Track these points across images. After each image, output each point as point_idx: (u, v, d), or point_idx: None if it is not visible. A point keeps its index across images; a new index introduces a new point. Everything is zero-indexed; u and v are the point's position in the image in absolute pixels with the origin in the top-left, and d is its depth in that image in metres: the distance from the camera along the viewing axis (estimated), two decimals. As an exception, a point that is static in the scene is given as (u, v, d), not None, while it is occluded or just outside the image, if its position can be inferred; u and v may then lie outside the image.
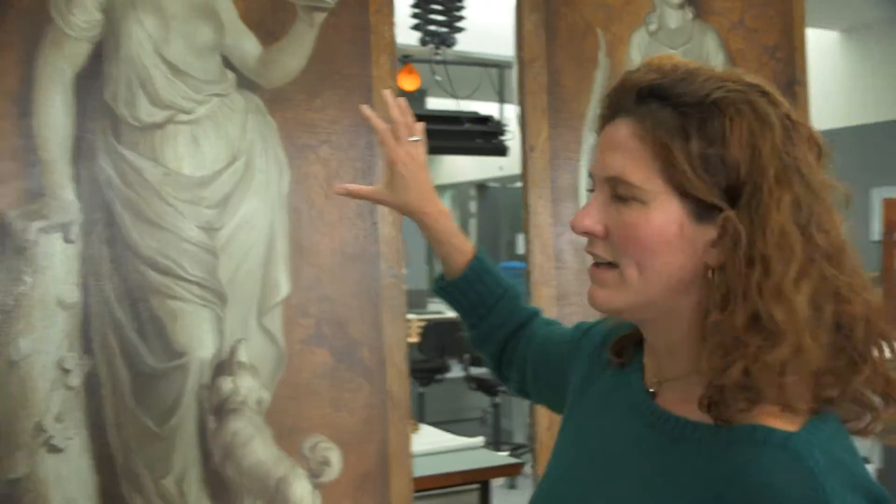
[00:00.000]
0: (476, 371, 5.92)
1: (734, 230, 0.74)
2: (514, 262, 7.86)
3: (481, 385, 5.84)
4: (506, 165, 8.77)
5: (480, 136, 4.57)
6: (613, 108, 0.82)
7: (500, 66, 5.07)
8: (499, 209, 9.74)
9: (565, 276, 2.13)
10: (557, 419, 2.08)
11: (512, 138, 4.80)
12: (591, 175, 0.86)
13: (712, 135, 0.74)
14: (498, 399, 5.77)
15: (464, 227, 10.32)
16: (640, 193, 0.77)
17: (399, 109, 1.19)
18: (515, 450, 5.66)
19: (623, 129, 0.79)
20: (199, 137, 1.80)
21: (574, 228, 0.82)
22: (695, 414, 0.77)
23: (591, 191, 0.84)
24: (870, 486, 0.70)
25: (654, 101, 0.78)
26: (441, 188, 9.46)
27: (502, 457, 2.91)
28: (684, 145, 0.75)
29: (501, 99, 5.04)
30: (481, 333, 1.20)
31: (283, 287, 1.85)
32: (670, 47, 2.32)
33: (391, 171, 1.17)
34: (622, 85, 0.82)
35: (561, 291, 2.12)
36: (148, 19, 1.76)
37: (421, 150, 1.18)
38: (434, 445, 2.69)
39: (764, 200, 0.73)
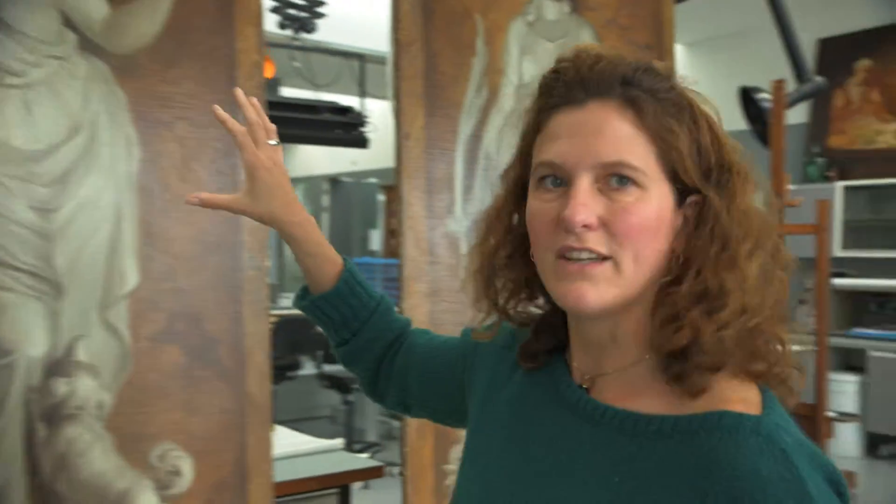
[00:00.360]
0: (330, 368, 5.77)
1: (712, 212, 0.75)
2: (367, 257, 7.74)
3: (335, 383, 5.69)
4: (359, 160, 8.63)
5: (340, 127, 4.42)
6: (582, 92, 0.77)
7: (362, 57, 4.94)
8: (351, 204, 9.61)
9: (438, 272, 2.03)
10: (428, 422, 1.97)
11: (373, 130, 4.68)
12: (548, 164, 0.77)
13: (690, 122, 0.76)
14: (351, 397, 5.64)
15: (316, 221, 10.10)
16: (641, 177, 0.74)
17: (255, 110, 1.05)
18: (368, 448, 5.55)
19: (609, 113, 0.76)
20: (32, 105, 1.58)
21: (572, 224, 0.74)
22: (646, 406, 0.75)
23: (558, 183, 0.77)
24: (824, 462, 0.70)
25: (635, 87, 0.76)
26: (293, 181, 9.18)
27: (362, 459, 2.79)
28: (678, 129, 0.75)
29: (363, 92, 4.90)
30: (355, 349, 1.10)
31: (131, 277, 1.65)
32: (547, 39, 2.27)
33: (252, 178, 1.04)
34: (595, 69, 0.77)
35: (434, 288, 2.02)
36: (-27, -35, 1.52)
37: (281, 155, 1.06)
38: (291, 448, 2.54)
39: (734, 184, 0.76)
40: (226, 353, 1.75)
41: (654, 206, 0.74)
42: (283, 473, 2.17)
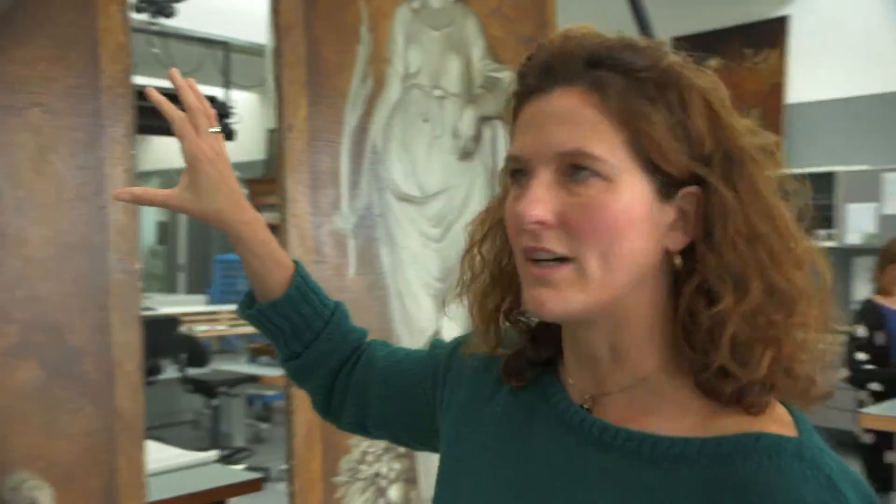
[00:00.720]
0: (194, 372, 5.49)
1: (724, 206, 0.66)
2: (229, 254, 7.44)
3: (199, 386, 5.42)
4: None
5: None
6: (549, 79, 0.69)
7: (226, 46, 4.70)
8: (213, 198, 9.23)
9: (325, 272, 1.91)
10: (316, 431, 1.85)
11: (238, 122, 4.48)
12: (513, 158, 0.70)
13: (673, 102, 0.67)
14: (216, 401, 5.40)
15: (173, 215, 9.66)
16: (604, 168, 0.66)
17: (195, 94, 0.91)
18: (237, 454, 5.33)
19: (572, 99, 0.67)
20: None
21: (525, 221, 0.66)
22: (662, 427, 0.68)
23: (520, 175, 0.69)
24: (867, 491, 0.64)
25: (604, 69, 0.68)
26: (147, 175, 8.74)
27: (240, 472, 2.63)
28: (652, 112, 0.66)
29: (227, 83, 4.66)
30: (307, 363, 0.98)
31: (-22, 285, 1.45)
32: (433, 28, 2.19)
33: (194, 171, 0.90)
34: (561, 52, 0.69)
35: (320, 288, 1.90)
36: None
37: (223, 144, 0.93)
38: (162, 463, 2.35)
39: (747, 173, 0.67)
40: (91, 367, 1.57)
41: (623, 200, 0.66)
42: (154, 492, 1.99)
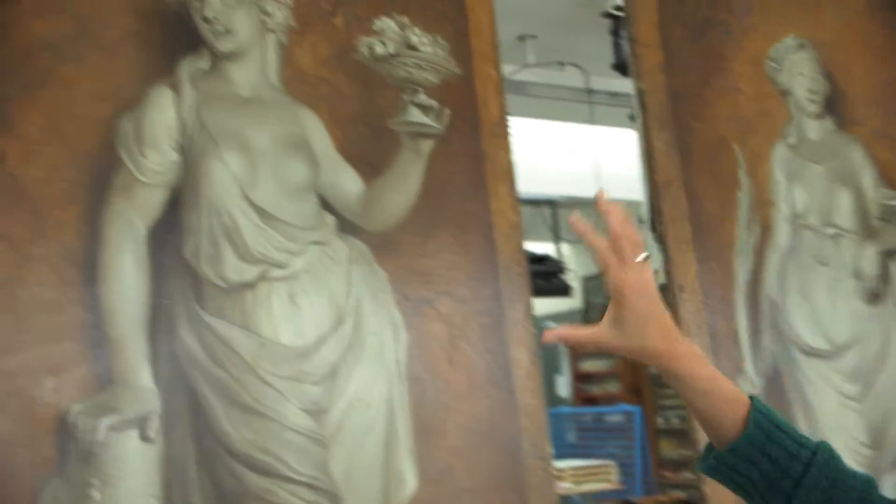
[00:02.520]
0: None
1: None
2: (561, 407, 7.35)
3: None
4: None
5: (539, 277, 4.24)
6: None
7: (553, 203, 4.83)
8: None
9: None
10: None
11: (573, 277, 4.48)
12: None
13: None
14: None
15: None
16: None
17: (618, 219, 0.85)
18: None
19: None
20: (297, 296, 1.45)
21: None
22: None
23: None
24: None
25: None
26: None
27: None
28: None
29: (556, 238, 4.76)
30: None
31: (409, 480, 1.45)
32: (814, 161, 2.00)
33: (620, 304, 0.83)
34: None
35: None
36: (232, 158, 1.45)
37: (651, 274, 0.85)
38: None
39: None
40: (514, 561, 1.50)
41: None
42: None
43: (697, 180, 1.86)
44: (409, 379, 1.50)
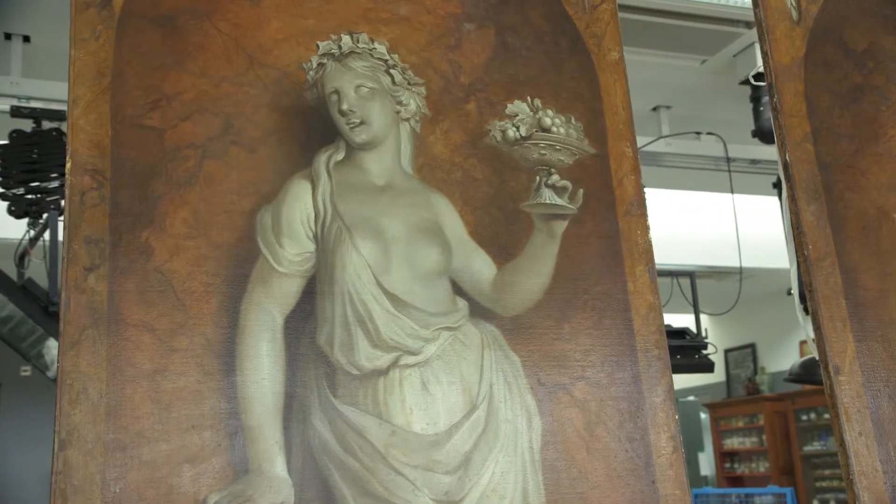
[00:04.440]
0: None
1: None
2: (705, 487, 6.99)
3: None
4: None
5: (678, 352, 4.08)
6: None
7: (692, 274, 4.68)
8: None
9: (910, 543, 1.56)
10: None
11: (714, 352, 4.29)
12: None
13: None
14: None
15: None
16: None
17: None
18: None
19: None
20: (430, 383, 1.43)
21: None
22: None
23: None
24: None
25: None
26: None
27: None
28: None
29: (696, 309, 4.61)
30: None
31: (547, 578, 1.38)
32: None
33: None
34: None
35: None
36: (366, 245, 1.46)
37: None
38: None
39: None
40: None
41: None
42: None
43: (853, 254, 1.74)
44: (544, 468, 1.44)
